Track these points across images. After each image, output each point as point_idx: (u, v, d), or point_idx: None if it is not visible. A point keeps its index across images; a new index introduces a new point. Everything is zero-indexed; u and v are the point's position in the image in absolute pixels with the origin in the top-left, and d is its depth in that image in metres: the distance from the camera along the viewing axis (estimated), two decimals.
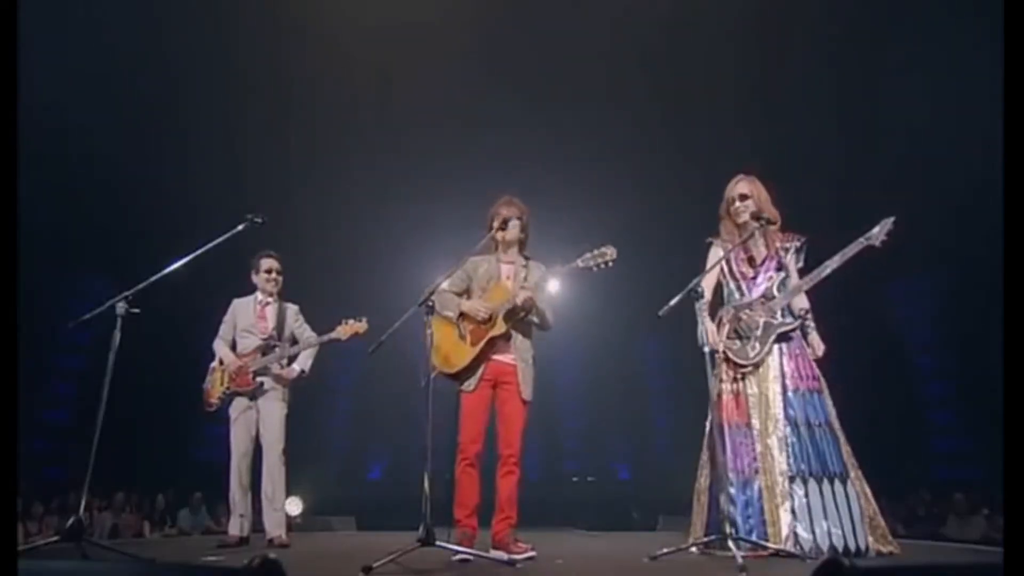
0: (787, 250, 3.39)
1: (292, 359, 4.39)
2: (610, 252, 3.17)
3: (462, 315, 3.29)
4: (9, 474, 1.65)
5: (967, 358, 9.33)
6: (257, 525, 4.32)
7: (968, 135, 7.08)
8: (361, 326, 4.23)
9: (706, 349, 2.99)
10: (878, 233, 3.18)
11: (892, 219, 3.19)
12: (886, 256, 3.21)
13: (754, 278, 3.39)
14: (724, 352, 3.32)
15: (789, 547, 2.89)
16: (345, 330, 4.22)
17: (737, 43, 7.63)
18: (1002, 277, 1.79)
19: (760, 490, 3.08)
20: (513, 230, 3.35)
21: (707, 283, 3.33)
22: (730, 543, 2.63)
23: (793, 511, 2.96)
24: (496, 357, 3.26)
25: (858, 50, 7.61)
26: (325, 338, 4.26)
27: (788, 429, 3.10)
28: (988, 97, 4.73)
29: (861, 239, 3.19)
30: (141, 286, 3.11)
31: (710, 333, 3.18)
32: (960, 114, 7.24)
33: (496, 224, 3.31)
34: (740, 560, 2.42)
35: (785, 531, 2.94)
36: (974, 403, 9.07)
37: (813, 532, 2.94)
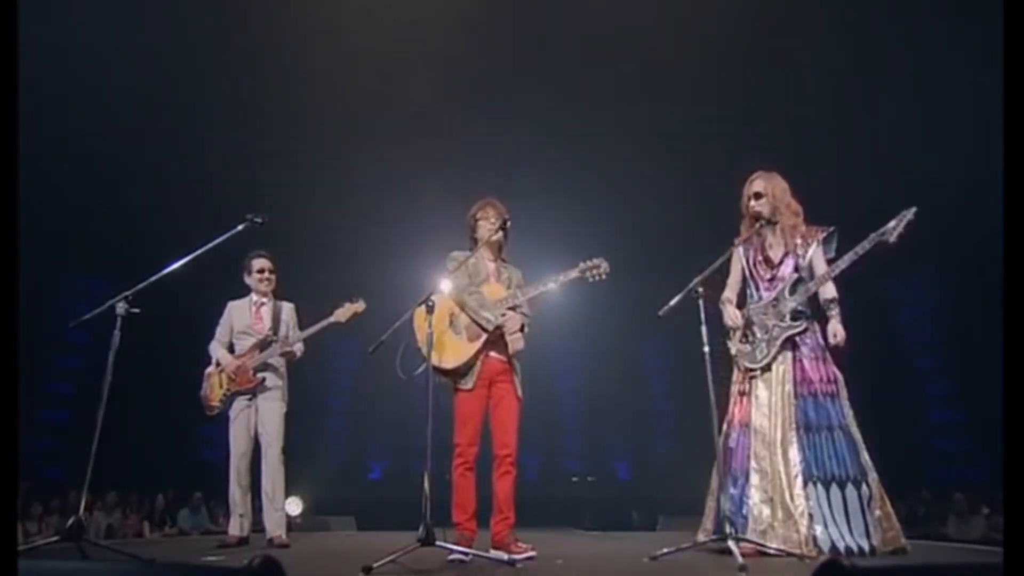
0: (808, 246, 3.27)
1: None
2: (604, 265, 3.19)
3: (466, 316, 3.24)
4: (9, 474, 1.65)
5: (968, 357, 9.32)
6: (257, 525, 4.32)
7: (968, 135, 7.08)
8: (359, 306, 4.19)
9: (706, 349, 2.98)
10: (894, 227, 2.99)
11: (913, 209, 2.98)
12: (887, 255, 3.17)
13: (771, 279, 3.35)
14: (735, 355, 3.33)
15: (808, 549, 2.87)
16: (344, 312, 4.17)
17: (735, 43, 7.61)
18: (1002, 277, 1.79)
19: (746, 487, 3.10)
20: (500, 232, 3.32)
21: (732, 286, 3.41)
22: (730, 543, 2.63)
23: (810, 514, 2.95)
24: (492, 354, 3.24)
25: (857, 49, 7.60)
26: (325, 322, 4.21)
27: (801, 433, 3.10)
28: (988, 97, 4.73)
29: (875, 234, 3.02)
30: (141, 286, 3.11)
31: (729, 315, 3.27)
32: (960, 113, 7.24)
33: (494, 225, 3.30)
34: (740, 560, 2.42)
35: (804, 532, 2.92)
36: (974, 403, 9.07)
37: (830, 534, 2.93)
